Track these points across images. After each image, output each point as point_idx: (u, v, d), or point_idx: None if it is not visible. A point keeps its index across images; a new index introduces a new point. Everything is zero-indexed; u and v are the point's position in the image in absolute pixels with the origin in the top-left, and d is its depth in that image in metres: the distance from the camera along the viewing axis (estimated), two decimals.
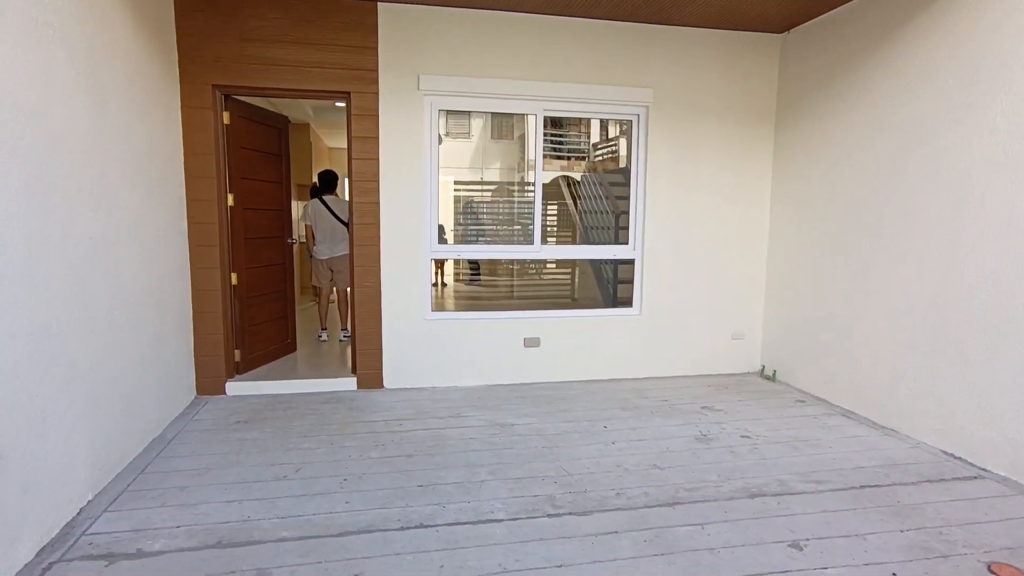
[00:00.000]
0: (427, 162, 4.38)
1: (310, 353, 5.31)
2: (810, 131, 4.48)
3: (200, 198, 4.09)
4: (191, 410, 3.95)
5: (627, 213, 6.05)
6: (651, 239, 4.82)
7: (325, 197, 5.72)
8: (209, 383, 4.22)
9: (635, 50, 4.57)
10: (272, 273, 4.88)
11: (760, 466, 3.20)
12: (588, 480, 3.01)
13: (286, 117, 5.03)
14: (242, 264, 4.43)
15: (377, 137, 4.25)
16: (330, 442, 3.46)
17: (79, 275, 2.67)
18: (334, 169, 5.94)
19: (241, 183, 4.39)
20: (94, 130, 2.84)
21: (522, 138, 15.52)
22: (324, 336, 5.84)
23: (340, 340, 5.84)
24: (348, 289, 5.89)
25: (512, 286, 8.55)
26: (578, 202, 7.23)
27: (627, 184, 7.22)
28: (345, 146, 12.01)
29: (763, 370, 5.05)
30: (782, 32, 4.76)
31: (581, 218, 7.09)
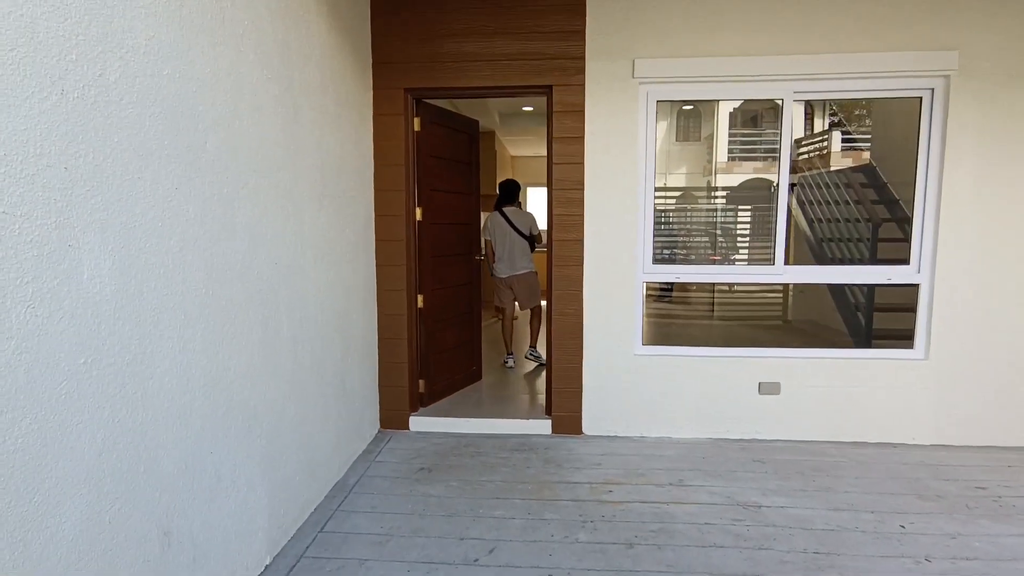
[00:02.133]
0: (641, 165, 3.59)
1: (496, 383, 4.80)
2: None
3: (388, 213, 3.75)
4: (374, 447, 3.59)
5: (892, 221, 4.70)
6: (945, 257, 3.51)
7: (505, 209, 5.20)
8: (392, 416, 3.85)
9: (930, 1, 3.35)
10: (458, 294, 4.45)
11: None
12: None
13: (477, 121, 4.59)
14: (429, 285, 4.03)
15: (582, 137, 3.57)
16: (527, 510, 2.81)
17: (262, 308, 2.31)
18: (515, 179, 5.42)
19: (430, 195, 4.00)
20: (283, 143, 2.51)
21: (710, 139, 14.08)
22: (511, 362, 5.30)
23: (526, 357, 5.30)
24: (533, 308, 5.34)
25: (712, 304, 7.40)
26: (807, 208, 5.91)
27: (872, 185, 5.75)
28: (529, 154, 11.45)
29: None
30: None
31: (811, 228, 5.80)
